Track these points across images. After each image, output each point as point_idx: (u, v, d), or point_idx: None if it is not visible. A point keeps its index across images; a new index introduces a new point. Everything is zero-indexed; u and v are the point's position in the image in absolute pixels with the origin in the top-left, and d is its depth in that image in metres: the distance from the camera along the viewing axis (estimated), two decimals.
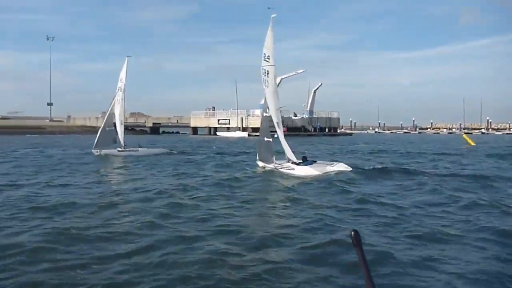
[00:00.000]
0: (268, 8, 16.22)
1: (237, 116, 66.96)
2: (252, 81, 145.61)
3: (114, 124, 25.06)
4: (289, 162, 16.04)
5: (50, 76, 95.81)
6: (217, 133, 68.18)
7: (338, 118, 78.22)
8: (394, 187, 12.84)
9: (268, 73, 16.10)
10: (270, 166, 16.40)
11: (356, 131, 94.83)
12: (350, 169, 15.37)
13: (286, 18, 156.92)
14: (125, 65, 24.87)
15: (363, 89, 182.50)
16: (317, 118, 73.77)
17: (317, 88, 76.06)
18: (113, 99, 24.89)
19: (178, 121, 79.41)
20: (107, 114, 25.01)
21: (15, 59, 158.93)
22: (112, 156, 23.46)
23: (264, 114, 16.68)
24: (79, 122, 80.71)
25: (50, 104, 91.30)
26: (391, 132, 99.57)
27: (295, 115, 71.55)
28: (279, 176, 15.36)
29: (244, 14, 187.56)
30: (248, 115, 66.64)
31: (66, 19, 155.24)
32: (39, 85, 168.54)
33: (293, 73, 70.94)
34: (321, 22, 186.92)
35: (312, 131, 70.29)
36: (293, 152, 16.23)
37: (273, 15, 16.03)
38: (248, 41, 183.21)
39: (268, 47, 16.08)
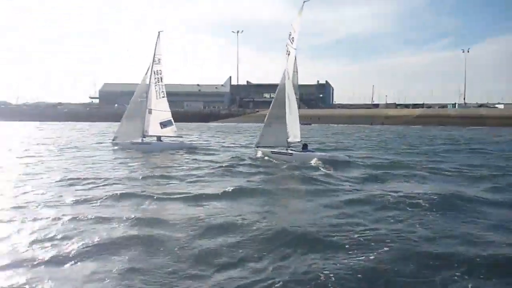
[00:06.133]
0: None
1: None
2: None
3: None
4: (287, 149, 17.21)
5: None
6: None
7: None
8: None
9: (289, 54, 17.02)
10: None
11: None
12: (347, 159, 16.46)
13: None
14: (158, 41, 22.88)
15: None
16: None
17: None
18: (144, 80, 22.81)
19: None
20: (143, 99, 22.59)
21: None
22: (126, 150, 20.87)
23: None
24: None
25: None
26: None
27: None
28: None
29: None
30: None
31: None
32: None
33: None
34: None
35: None
36: None
37: (305, 1, 16.78)
38: None
39: (294, 30, 16.97)
